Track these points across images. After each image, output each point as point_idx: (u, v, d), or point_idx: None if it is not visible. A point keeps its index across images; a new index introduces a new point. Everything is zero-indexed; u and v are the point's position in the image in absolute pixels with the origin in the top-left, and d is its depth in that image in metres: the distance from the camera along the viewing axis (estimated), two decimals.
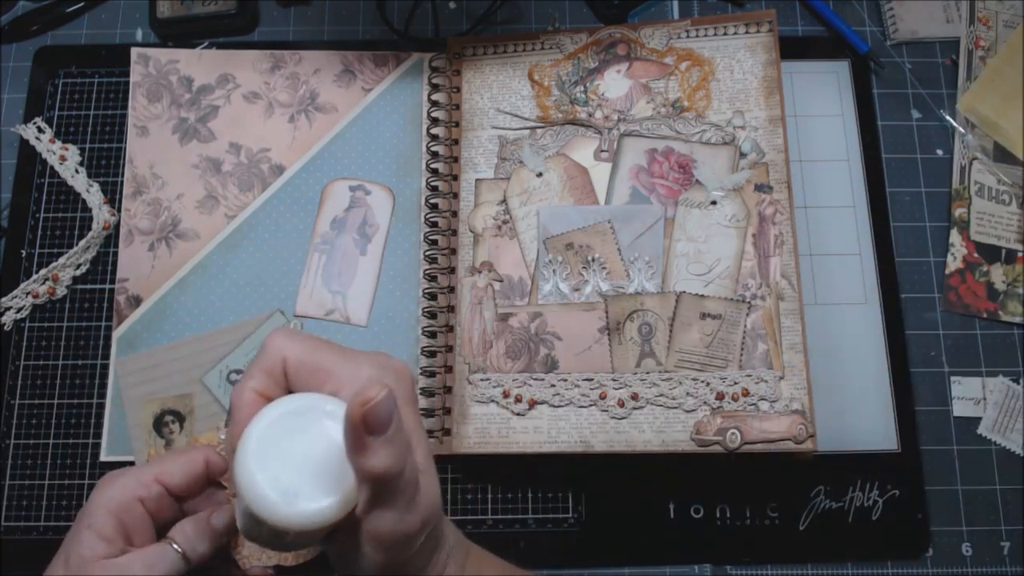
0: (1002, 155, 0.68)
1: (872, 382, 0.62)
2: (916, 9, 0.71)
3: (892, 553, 0.60)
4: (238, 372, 0.62)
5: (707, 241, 0.60)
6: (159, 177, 0.66)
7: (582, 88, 0.65)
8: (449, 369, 0.60)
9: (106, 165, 0.67)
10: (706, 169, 0.62)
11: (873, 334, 0.63)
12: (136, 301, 0.64)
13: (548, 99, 0.65)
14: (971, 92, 0.69)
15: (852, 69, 0.69)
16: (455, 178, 0.64)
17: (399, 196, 0.66)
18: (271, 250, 0.65)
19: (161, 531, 0.42)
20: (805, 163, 0.67)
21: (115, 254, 0.65)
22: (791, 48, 0.69)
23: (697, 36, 0.65)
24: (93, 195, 0.66)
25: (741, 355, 0.58)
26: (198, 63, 0.69)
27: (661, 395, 0.58)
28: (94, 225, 0.65)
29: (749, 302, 0.59)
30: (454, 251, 0.63)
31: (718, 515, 0.60)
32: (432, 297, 0.63)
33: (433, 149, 0.66)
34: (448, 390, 0.60)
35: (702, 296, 0.59)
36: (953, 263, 0.66)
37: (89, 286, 0.65)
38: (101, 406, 0.62)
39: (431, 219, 0.65)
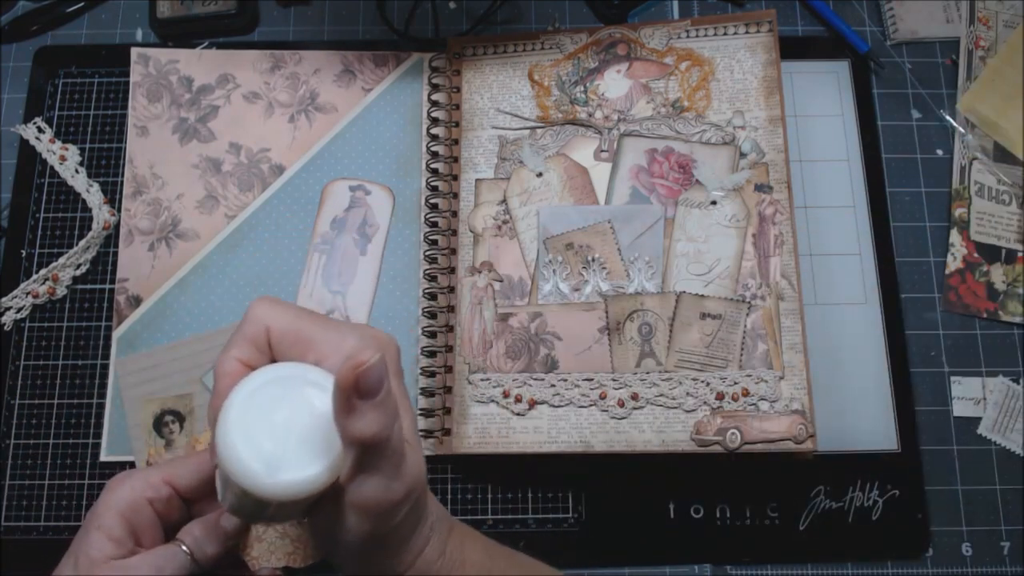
0: (1002, 155, 0.68)
1: (872, 382, 0.62)
2: (916, 9, 0.71)
3: (892, 553, 0.60)
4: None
5: (707, 241, 0.60)
6: (159, 177, 0.66)
7: (582, 88, 0.65)
8: (449, 369, 0.60)
9: (106, 165, 0.67)
10: (706, 169, 0.62)
11: (873, 334, 0.63)
12: (136, 301, 0.64)
13: (548, 99, 0.65)
14: (971, 92, 0.69)
15: (852, 69, 0.69)
16: (455, 178, 0.64)
17: (399, 196, 0.66)
18: (271, 250, 0.65)
19: (170, 533, 0.42)
20: (805, 163, 0.67)
21: (115, 254, 0.65)
22: (791, 48, 0.69)
23: (697, 36, 0.65)
24: (93, 195, 0.66)
25: (741, 355, 0.58)
26: (198, 63, 0.69)
27: (661, 395, 0.58)
28: (94, 225, 0.65)
29: (749, 302, 0.59)
30: (454, 251, 0.63)
31: (718, 515, 0.60)
32: (432, 297, 0.63)
33: (433, 149, 0.66)
34: (448, 390, 0.60)
35: (702, 296, 0.59)
36: (953, 263, 0.66)
37: (89, 286, 0.65)
38: (101, 406, 0.62)
39: (431, 219, 0.65)
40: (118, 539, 0.39)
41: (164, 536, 0.41)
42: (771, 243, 0.60)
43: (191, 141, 0.67)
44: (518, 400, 0.58)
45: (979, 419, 0.63)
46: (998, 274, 0.65)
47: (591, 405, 0.58)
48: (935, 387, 0.63)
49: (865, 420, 0.61)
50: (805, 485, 0.61)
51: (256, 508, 0.35)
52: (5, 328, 0.64)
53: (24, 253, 0.65)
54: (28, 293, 0.64)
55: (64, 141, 0.68)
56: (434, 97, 0.68)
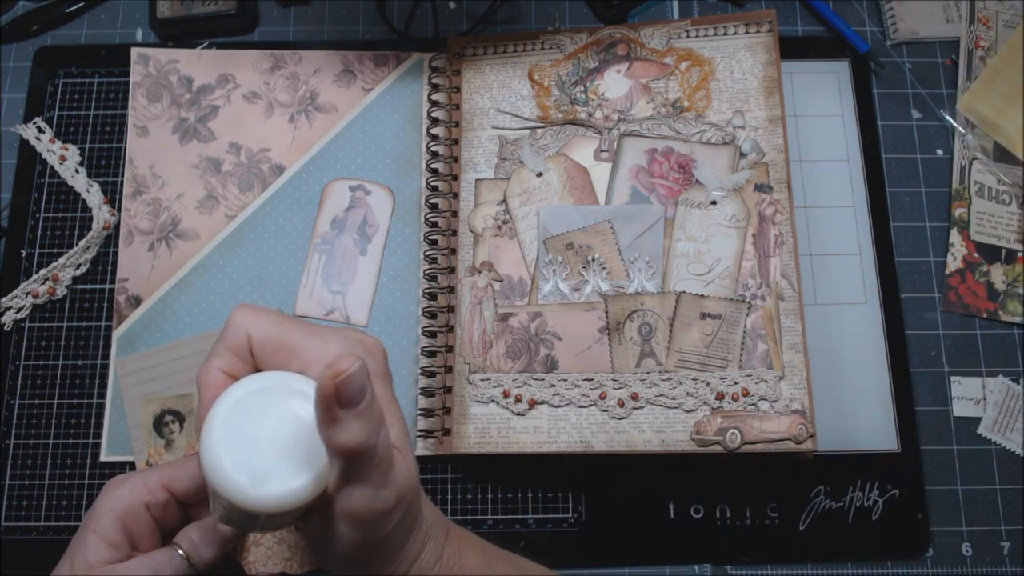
0: (1002, 155, 0.68)
1: (872, 382, 0.62)
2: (916, 9, 0.71)
3: (892, 553, 0.60)
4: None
5: (707, 241, 0.60)
6: (159, 177, 0.66)
7: (582, 88, 0.65)
8: (449, 369, 0.60)
9: (106, 165, 0.67)
10: (706, 169, 0.62)
11: (873, 334, 0.63)
12: (136, 301, 0.64)
13: (548, 99, 0.65)
14: (971, 92, 0.69)
15: (852, 69, 0.69)
16: (455, 178, 0.64)
17: (399, 196, 0.66)
18: (271, 250, 0.65)
19: (167, 536, 0.42)
20: (805, 163, 0.67)
21: (115, 254, 0.65)
22: (791, 48, 0.69)
23: (697, 36, 0.65)
24: (93, 195, 0.66)
25: (741, 355, 0.58)
26: (198, 63, 0.69)
27: (661, 395, 0.58)
28: (94, 225, 0.65)
29: (749, 302, 0.59)
30: (454, 251, 0.63)
31: (718, 515, 0.60)
32: (432, 297, 0.63)
33: (433, 149, 0.66)
34: (448, 390, 0.60)
35: (702, 296, 0.59)
36: (953, 263, 0.66)
37: (89, 286, 0.65)
38: (101, 406, 0.62)
39: (431, 219, 0.65)
40: (115, 543, 0.39)
41: (161, 540, 0.41)
42: (771, 243, 0.60)
43: (191, 141, 0.67)
44: (518, 400, 0.58)
45: (979, 419, 0.63)
46: (998, 274, 0.65)
47: (591, 405, 0.58)
48: (935, 387, 0.63)
49: (865, 420, 0.61)
50: (805, 485, 0.61)
51: (245, 519, 0.35)
52: (5, 328, 0.64)
53: (24, 253, 0.65)
54: (28, 293, 0.64)
55: (64, 141, 0.68)
56: (434, 97, 0.68)
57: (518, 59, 0.66)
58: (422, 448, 0.60)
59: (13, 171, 0.67)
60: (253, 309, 0.37)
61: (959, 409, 0.63)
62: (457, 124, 0.66)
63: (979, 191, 0.67)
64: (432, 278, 0.63)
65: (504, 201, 0.63)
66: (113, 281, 0.65)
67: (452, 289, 0.62)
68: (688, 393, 0.58)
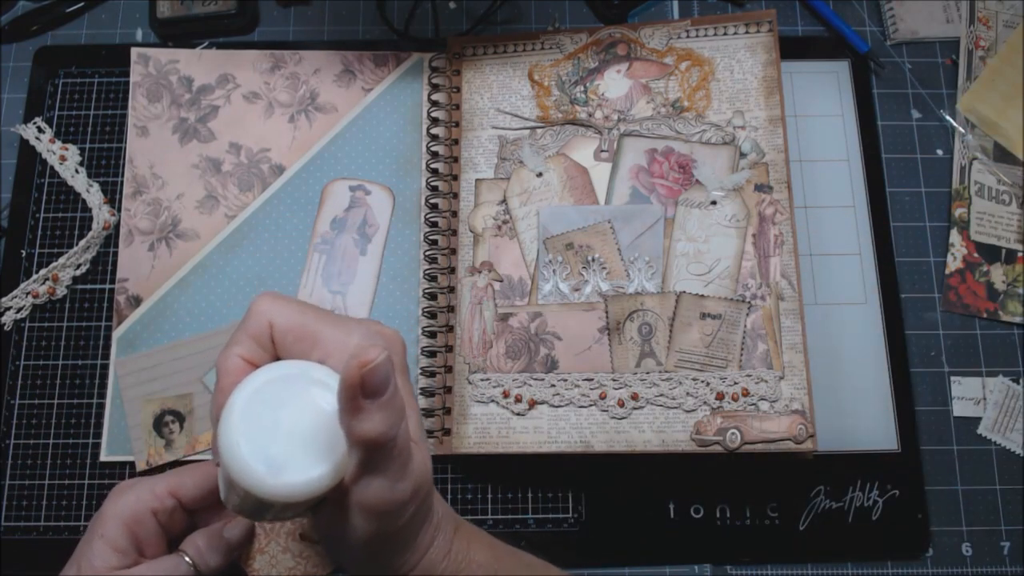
0: (1002, 155, 0.68)
1: (872, 382, 0.62)
2: (916, 9, 0.71)
3: (892, 553, 0.60)
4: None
5: (707, 241, 0.60)
6: (159, 177, 0.66)
7: (582, 88, 0.65)
8: (449, 369, 0.60)
9: (106, 165, 0.67)
10: (706, 169, 0.62)
11: (873, 334, 0.63)
12: (136, 301, 0.64)
13: (548, 99, 0.65)
14: (971, 92, 0.69)
15: (852, 69, 0.69)
16: (455, 178, 0.64)
17: (399, 196, 0.66)
18: (271, 250, 0.65)
19: (173, 542, 0.41)
20: (805, 163, 0.67)
21: (115, 254, 0.65)
22: (791, 48, 0.69)
23: (697, 36, 0.65)
24: (93, 195, 0.66)
25: (741, 355, 0.58)
26: (198, 63, 0.69)
27: (661, 395, 0.58)
28: (94, 225, 0.65)
29: (749, 302, 0.59)
30: (454, 251, 0.63)
31: (718, 515, 0.60)
32: (432, 297, 0.63)
33: (433, 149, 0.66)
34: (448, 390, 0.60)
35: (702, 296, 0.59)
36: (953, 263, 0.66)
37: (89, 286, 0.65)
38: (101, 406, 0.62)
39: (431, 219, 0.65)
40: (121, 549, 0.39)
41: (167, 546, 0.41)
42: (771, 243, 0.60)
43: (191, 141, 0.67)
44: (518, 400, 0.58)
45: (979, 419, 0.63)
46: (998, 274, 0.65)
47: (591, 405, 0.58)
48: (935, 387, 0.63)
49: (865, 420, 0.61)
50: (805, 485, 0.61)
51: (259, 508, 0.34)
52: (5, 328, 0.64)
53: (24, 253, 0.65)
54: (28, 293, 0.64)
55: (64, 141, 0.68)
56: (434, 97, 0.68)
57: (518, 59, 0.66)
58: None
59: (13, 171, 0.67)
60: (275, 297, 0.37)
61: (959, 409, 0.63)
62: (457, 124, 0.66)
63: (979, 191, 0.67)
64: (432, 278, 0.63)
65: (504, 201, 0.63)
66: (113, 281, 0.65)
67: (452, 289, 0.62)
68: (688, 393, 0.58)
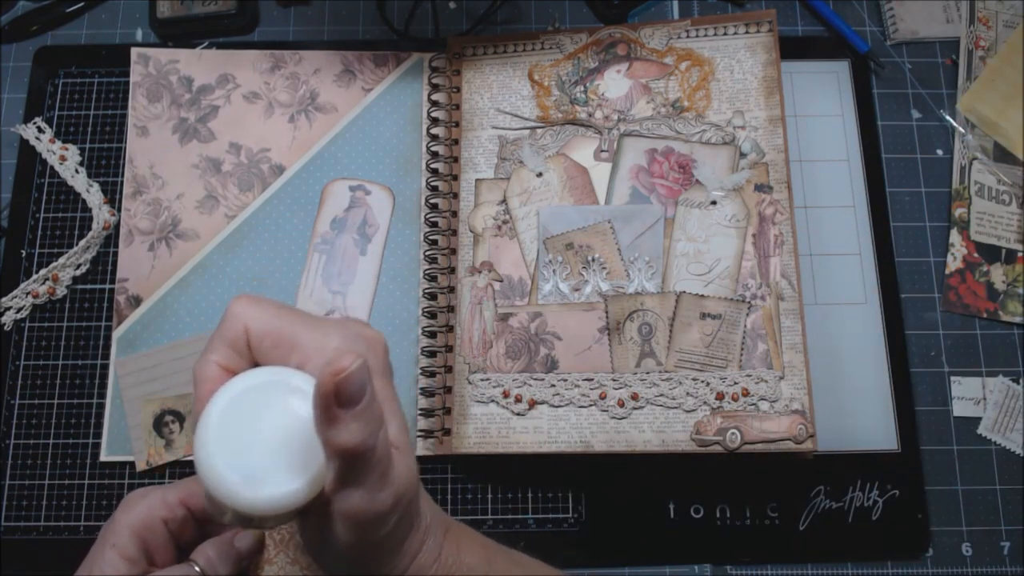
0: (1002, 155, 0.68)
1: (872, 382, 0.62)
2: (916, 9, 0.71)
3: (892, 553, 0.60)
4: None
5: (707, 241, 0.60)
6: (159, 177, 0.66)
7: (582, 88, 0.65)
8: (449, 369, 0.60)
9: (106, 165, 0.67)
10: (706, 169, 0.62)
11: (873, 334, 0.63)
12: (136, 301, 0.64)
13: (548, 99, 0.65)
14: (971, 92, 0.69)
15: (852, 69, 0.69)
16: (455, 178, 0.64)
17: (399, 196, 0.66)
18: (271, 250, 0.65)
19: (182, 551, 0.41)
20: (805, 163, 0.67)
21: (115, 254, 0.65)
22: (791, 48, 0.69)
23: (697, 36, 0.65)
24: (93, 195, 0.66)
25: (741, 355, 0.58)
26: (198, 63, 0.69)
27: (661, 395, 0.58)
28: (94, 225, 0.65)
29: (749, 302, 0.59)
30: (454, 251, 0.63)
31: (718, 515, 0.60)
32: (432, 297, 0.63)
33: (433, 149, 0.66)
34: (448, 390, 0.60)
35: (702, 296, 0.59)
36: (953, 263, 0.66)
37: (89, 286, 0.65)
38: (101, 406, 0.62)
39: (431, 219, 0.65)
40: (132, 558, 0.39)
41: (177, 555, 0.41)
42: (771, 243, 0.60)
43: (191, 141, 0.67)
44: (518, 400, 0.58)
45: (979, 419, 0.63)
46: (998, 274, 0.65)
47: (591, 405, 0.58)
48: (935, 387, 0.63)
49: (865, 420, 0.61)
50: (805, 485, 0.61)
51: (239, 518, 0.34)
52: (5, 328, 0.64)
53: (24, 253, 0.65)
54: (28, 293, 0.64)
55: (64, 141, 0.68)
56: (434, 97, 0.68)
57: (518, 59, 0.66)
58: (422, 448, 0.60)
59: (13, 171, 0.67)
60: (251, 300, 0.35)
61: (959, 409, 0.63)
62: (457, 124, 0.66)
63: (979, 191, 0.67)
64: (432, 278, 0.63)
65: (504, 201, 0.63)
66: (113, 281, 0.65)
67: (452, 289, 0.62)
68: (688, 393, 0.58)
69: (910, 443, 0.61)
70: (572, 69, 0.66)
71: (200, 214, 0.66)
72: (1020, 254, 0.66)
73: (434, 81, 0.68)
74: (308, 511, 0.34)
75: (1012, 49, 0.70)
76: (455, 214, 0.64)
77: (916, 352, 0.64)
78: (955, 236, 0.66)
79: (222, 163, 0.67)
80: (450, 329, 0.61)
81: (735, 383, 0.57)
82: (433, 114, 0.67)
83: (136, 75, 0.69)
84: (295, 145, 0.67)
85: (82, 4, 0.71)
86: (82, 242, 0.65)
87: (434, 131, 0.67)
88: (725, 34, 0.64)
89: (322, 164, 0.67)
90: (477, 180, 0.64)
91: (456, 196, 0.64)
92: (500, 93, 0.66)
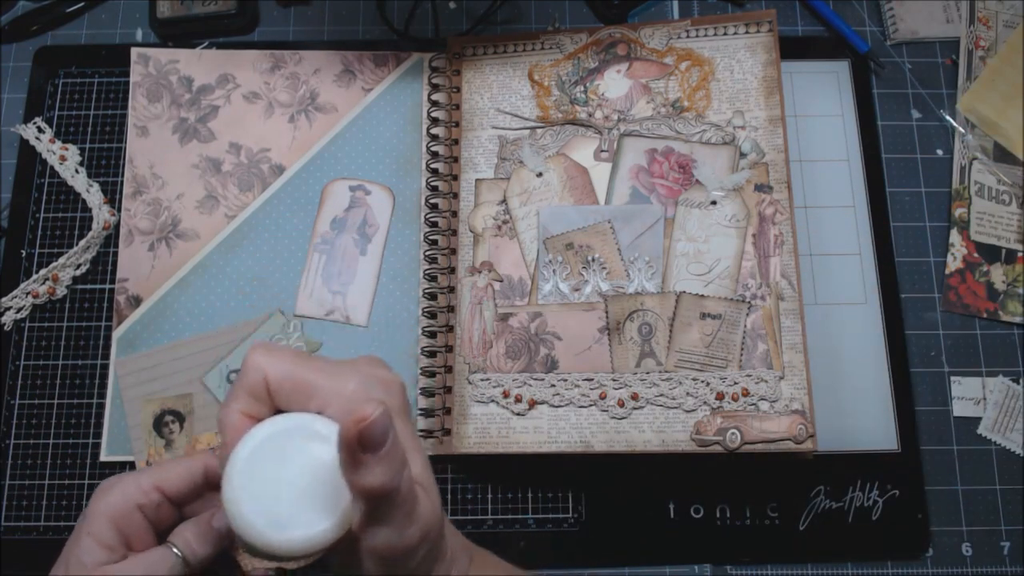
0: (1002, 155, 0.68)
1: (872, 382, 0.62)
2: (916, 9, 0.71)
3: (892, 553, 0.60)
4: (238, 372, 0.61)
5: (707, 241, 0.60)
6: (159, 177, 0.66)
7: (582, 88, 0.65)
8: (449, 369, 0.60)
9: (106, 165, 0.67)
10: (706, 169, 0.62)
11: (873, 334, 0.63)
12: (136, 301, 0.64)
13: (548, 99, 0.65)
14: (971, 92, 0.69)
15: (852, 69, 0.69)
16: (455, 178, 0.64)
17: (399, 196, 0.66)
18: (271, 250, 0.65)
19: (162, 535, 0.41)
20: (805, 163, 0.67)
21: (115, 254, 0.65)
22: (791, 48, 0.69)
23: (697, 36, 0.65)
24: (93, 195, 0.66)
25: (741, 355, 0.58)
26: (198, 63, 0.69)
27: (661, 395, 0.58)
28: (94, 225, 0.65)
29: (749, 302, 0.59)
30: (454, 251, 0.63)
31: (718, 515, 0.60)
32: (432, 297, 0.63)
33: (433, 149, 0.66)
34: (448, 390, 0.60)
35: (702, 296, 0.59)
36: (953, 263, 0.66)
37: (89, 286, 0.65)
38: (101, 406, 0.62)
39: (431, 219, 0.65)
40: (109, 545, 0.39)
41: (156, 539, 0.41)
42: (771, 243, 0.60)
43: (191, 141, 0.67)
44: (518, 400, 0.58)
45: (979, 419, 0.63)
46: (998, 274, 0.65)
47: (591, 405, 0.58)
48: (935, 387, 0.63)
49: (865, 420, 0.61)
50: (805, 485, 0.61)
51: (268, 558, 0.35)
52: (5, 328, 0.64)
53: (24, 253, 0.65)
54: (28, 293, 0.64)
55: (64, 141, 0.68)
56: (434, 97, 0.68)
57: (518, 59, 0.66)
58: None
59: (13, 171, 0.67)
60: (268, 349, 0.37)
61: (959, 409, 0.63)
62: (457, 124, 0.66)
63: (979, 191, 0.67)
64: (432, 278, 0.63)
65: (504, 201, 0.63)
66: (113, 281, 0.65)
67: (452, 289, 0.62)
68: (688, 393, 0.58)
69: (910, 443, 0.61)
70: (572, 69, 0.66)
71: (200, 214, 0.66)
72: (1020, 254, 0.66)
73: (434, 81, 0.68)
74: (335, 549, 0.36)
75: (1012, 49, 0.70)
76: (455, 214, 0.64)
77: (916, 352, 0.64)
78: (955, 236, 0.66)
79: (222, 163, 0.67)
80: (450, 329, 0.61)
81: (735, 383, 0.57)
82: (433, 114, 0.67)
83: (136, 75, 0.69)
84: (295, 145, 0.67)
85: (82, 4, 0.71)
86: (82, 242, 0.65)
87: (434, 131, 0.67)
88: (725, 34, 0.64)
89: (322, 164, 0.67)
90: (477, 180, 0.64)
91: (456, 196, 0.64)
92: (500, 93, 0.66)
